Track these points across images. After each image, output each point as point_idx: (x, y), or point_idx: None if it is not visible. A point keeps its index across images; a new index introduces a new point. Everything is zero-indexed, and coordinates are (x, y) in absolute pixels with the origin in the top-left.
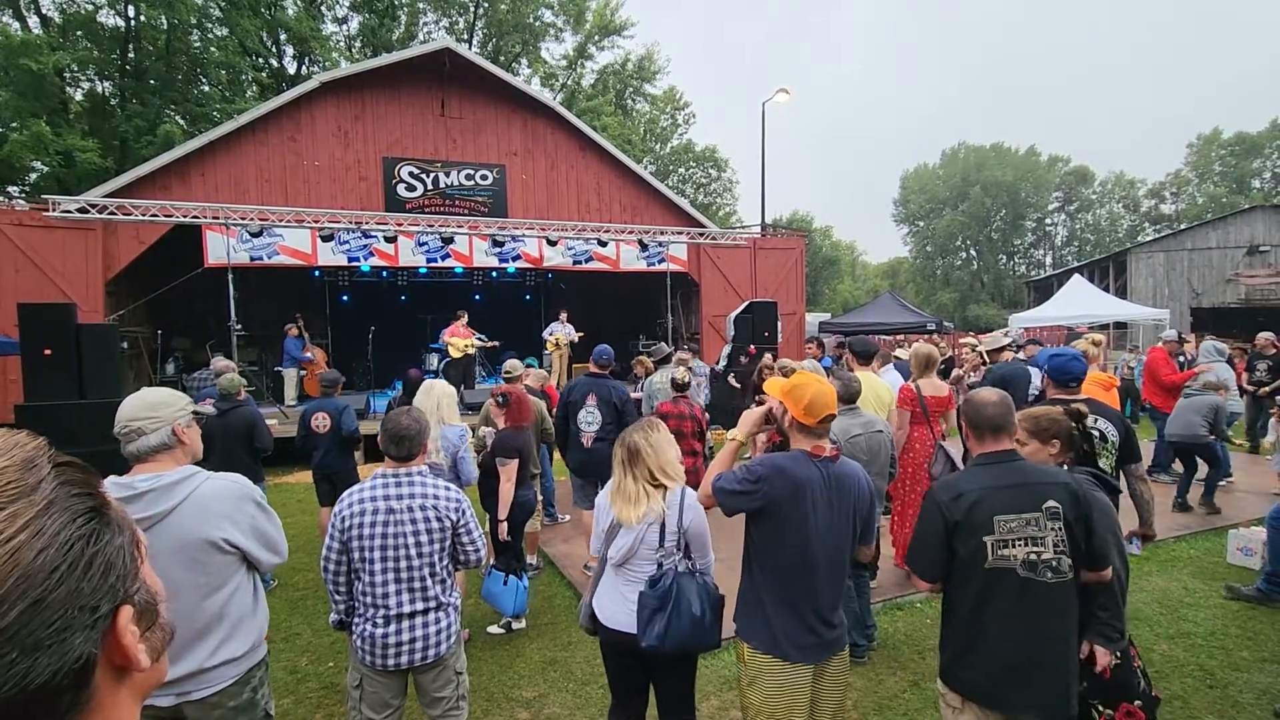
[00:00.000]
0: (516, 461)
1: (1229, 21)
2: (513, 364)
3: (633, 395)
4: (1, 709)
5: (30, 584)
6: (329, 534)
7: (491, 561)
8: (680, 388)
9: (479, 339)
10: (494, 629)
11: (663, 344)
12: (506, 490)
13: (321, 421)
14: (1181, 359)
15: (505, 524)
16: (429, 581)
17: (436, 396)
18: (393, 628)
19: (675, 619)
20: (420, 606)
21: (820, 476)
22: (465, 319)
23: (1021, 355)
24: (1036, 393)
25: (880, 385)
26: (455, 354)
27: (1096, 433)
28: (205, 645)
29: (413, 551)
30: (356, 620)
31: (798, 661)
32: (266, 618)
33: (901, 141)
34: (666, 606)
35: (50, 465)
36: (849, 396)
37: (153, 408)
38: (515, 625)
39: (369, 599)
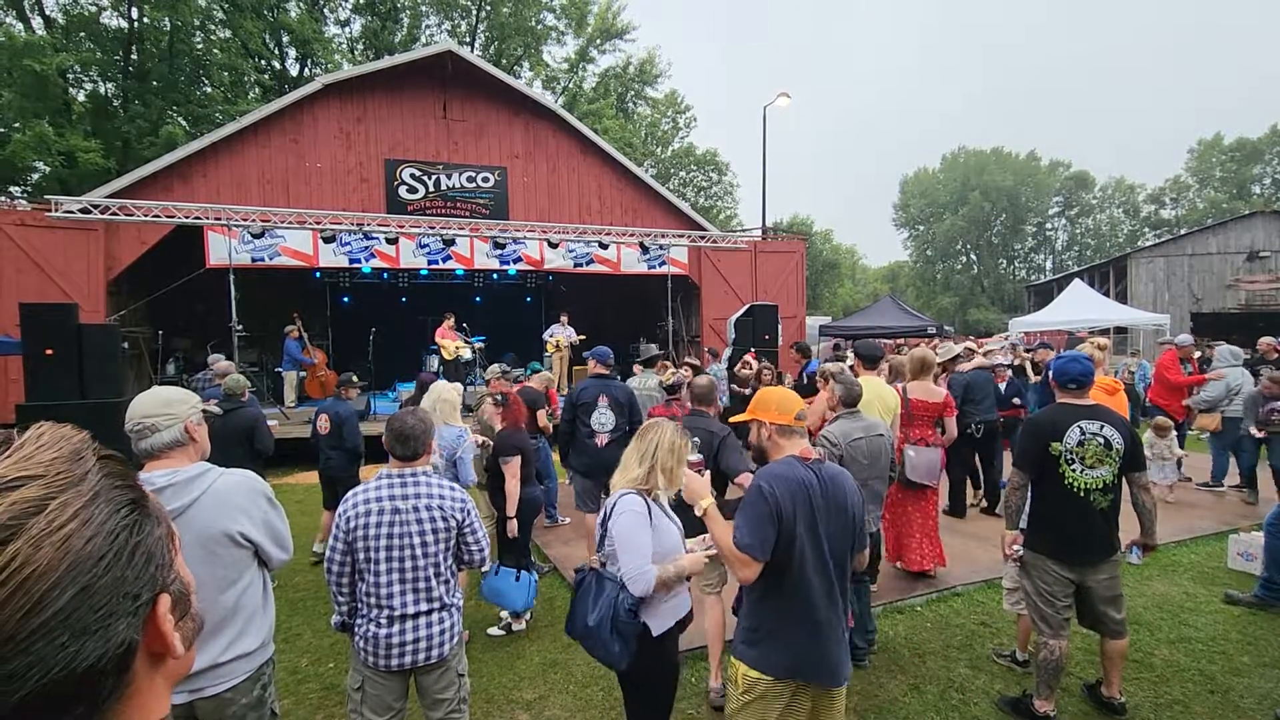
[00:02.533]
0: (519, 458)
1: (1230, 27)
2: (493, 369)
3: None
4: (50, 690)
5: (80, 570)
6: (333, 534)
7: (498, 560)
8: (671, 390)
9: (465, 340)
10: (494, 630)
11: (652, 346)
12: (512, 488)
13: (322, 424)
14: (1189, 369)
15: (514, 521)
16: (433, 582)
17: (436, 397)
18: (396, 628)
19: (574, 615)
20: (424, 607)
21: (815, 477)
22: (451, 321)
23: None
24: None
25: (886, 391)
26: (447, 356)
27: (1101, 440)
28: (220, 640)
29: (418, 552)
30: (359, 621)
31: (797, 680)
32: (274, 615)
33: (902, 146)
34: (573, 600)
35: (95, 458)
36: (851, 400)
37: (168, 404)
38: (515, 626)
39: (373, 599)
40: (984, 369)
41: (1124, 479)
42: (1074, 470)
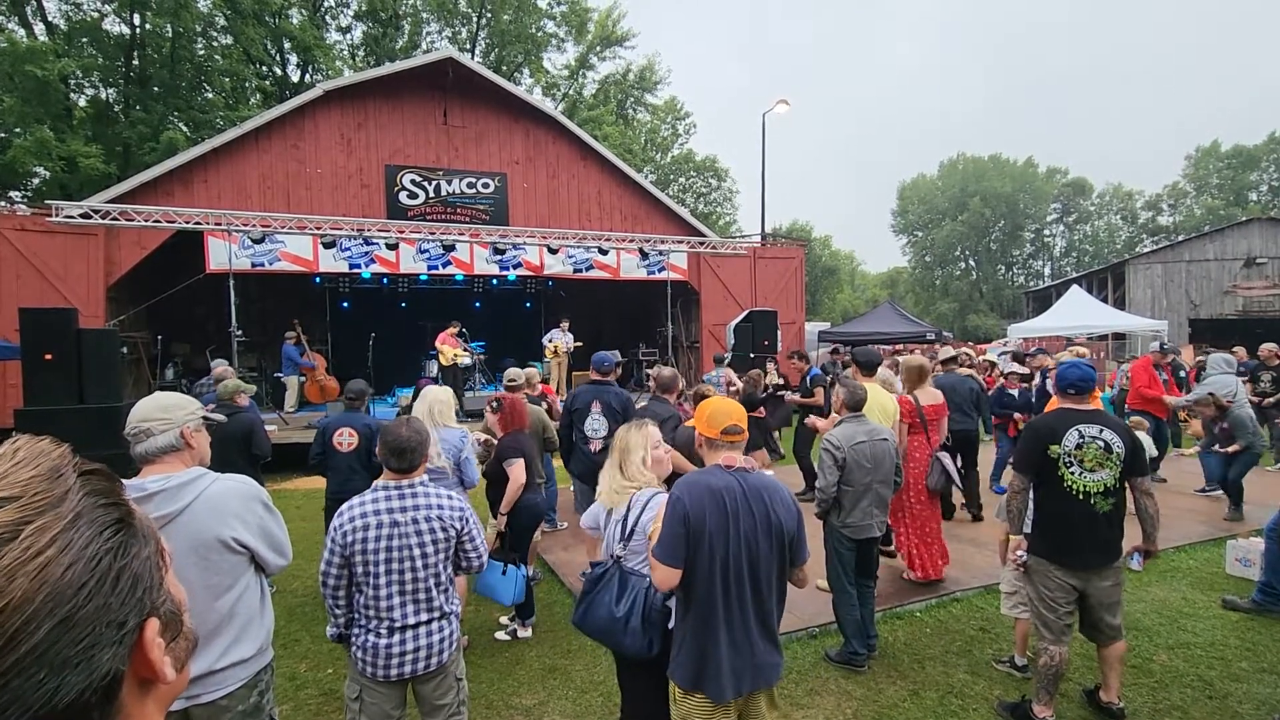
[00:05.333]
0: (522, 461)
1: (1229, 36)
2: (513, 372)
3: (638, 405)
4: None
5: (59, 601)
6: (328, 548)
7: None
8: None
9: (465, 348)
10: (500, 635)
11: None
12: (513, 491)
13: (347, 439)
14: (1163, 376)
15: (504, 517)
16: (434, 591)
17: (430, 402)
18: (396, 638)
19: (595, 605)
20: (425, 617)
21: (737, 483)
22: (456, 328)
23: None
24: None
25: (885, 397)
26: (444, 362)
27: (1101, 444)
28: (215, 647)
29: (419, 563)
30: (357, 631)
31: (726, 695)
32: (272, 620)
33: (901, 152)
34: (592, 591)
35: (76, 475)
36: (854, 404)
37: (165, 409)
38: (521, 633)
39: (372, 611)
40: (963, 376)
41: (1126, 484)
42: (1073, 473)
